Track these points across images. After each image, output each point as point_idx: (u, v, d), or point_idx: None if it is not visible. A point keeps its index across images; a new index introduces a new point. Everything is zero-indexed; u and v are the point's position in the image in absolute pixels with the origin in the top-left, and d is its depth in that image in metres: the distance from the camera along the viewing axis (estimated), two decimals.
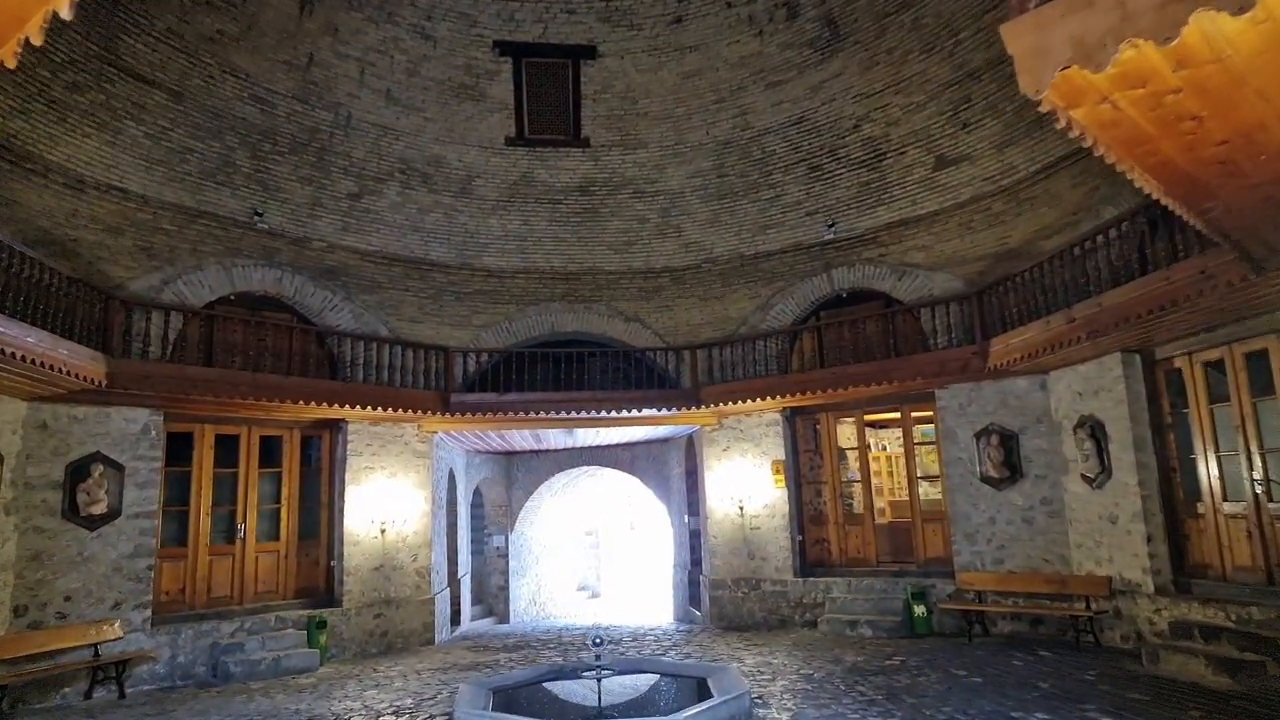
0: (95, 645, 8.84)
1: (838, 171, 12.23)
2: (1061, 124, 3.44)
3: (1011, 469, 10.62)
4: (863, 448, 12.38)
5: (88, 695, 8.72)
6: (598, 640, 6.98)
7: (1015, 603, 10.29)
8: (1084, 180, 9.92)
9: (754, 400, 12.08)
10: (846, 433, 13.31)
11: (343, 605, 11.19)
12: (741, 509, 12.71)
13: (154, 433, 9.71)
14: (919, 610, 10.86)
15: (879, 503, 13.32)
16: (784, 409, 12.59)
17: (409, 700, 8.07)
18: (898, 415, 12.34)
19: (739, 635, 11.49)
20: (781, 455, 12.58)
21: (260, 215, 11.24)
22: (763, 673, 8.68)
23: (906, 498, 15.00)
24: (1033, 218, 10.68)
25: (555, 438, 15.03)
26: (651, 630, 12.95)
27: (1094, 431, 9.57)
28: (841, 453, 12.89)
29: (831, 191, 12.38)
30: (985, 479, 10.79)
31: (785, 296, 13.07)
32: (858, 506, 13.26)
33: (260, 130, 11.04)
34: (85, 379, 8.19)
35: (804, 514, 12.58)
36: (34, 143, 8.79)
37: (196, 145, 10.48)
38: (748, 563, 12.56)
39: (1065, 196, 10.22)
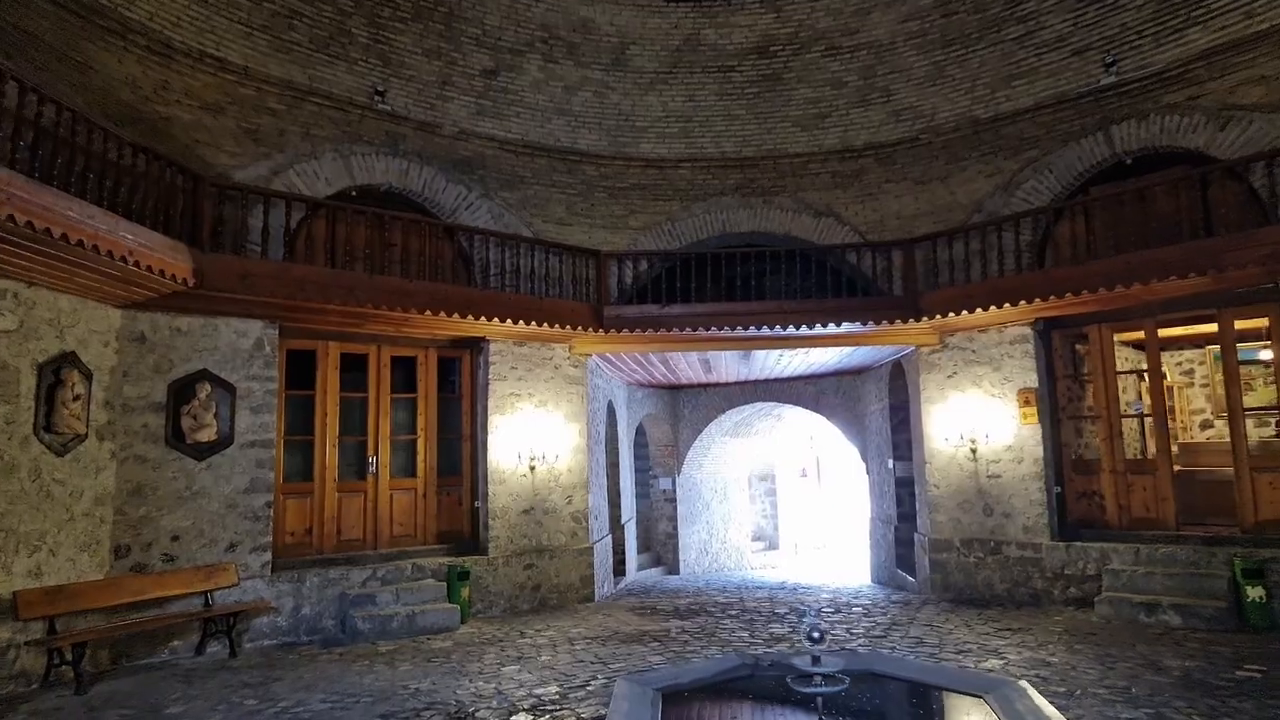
0: (207, 593, 7.60)
1: None
2: None
3: None
4: (1155, 370, 9.05)
5: (199, 650, 7.52)
6: (815, 633, 4.62)
7: None
8: None
9: (995, 308, 9.06)
10: (1123, 352, 10.00)
11: (488, 554, 9.55)
12: (974, 451, 9.84)
13: (269, 348, 8.29)
14: (1254, 593, 7.66)
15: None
16: (1035, 320, 9.48)
17: (554, 687, 6.14)
18: (1210, 327, 8.92)
19: (977, 613, 8.78)
20: (1032, 382, 9.53)
21: (381, 95, 9.50)
22: (1043, 677, 6.03)
23: (1205, 438, 11.54)
24: None
25: (728, 364, 12.68)
26: (856, 597, 10.48)
27: None
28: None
29: (1112, 16, 8.93)
30: None
31: (1039, 170, 9.82)
32: (1137, 449, 10.04)
33: None
34: (167, 275, 6.71)
35: (1063, 458, 9.51)
36: None
37: (304, 8, 8.79)
38: (983, 520, 9.73)
39: None
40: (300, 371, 8.91)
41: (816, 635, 4.62)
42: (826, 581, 13.24)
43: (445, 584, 8.94)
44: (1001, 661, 6.58)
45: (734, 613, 9.36)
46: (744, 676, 5.41)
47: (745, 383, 15.23)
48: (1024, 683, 4.76)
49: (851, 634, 7.96)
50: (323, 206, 8.69)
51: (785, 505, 21.12)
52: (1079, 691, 5.66)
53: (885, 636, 7.74)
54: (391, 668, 6.88)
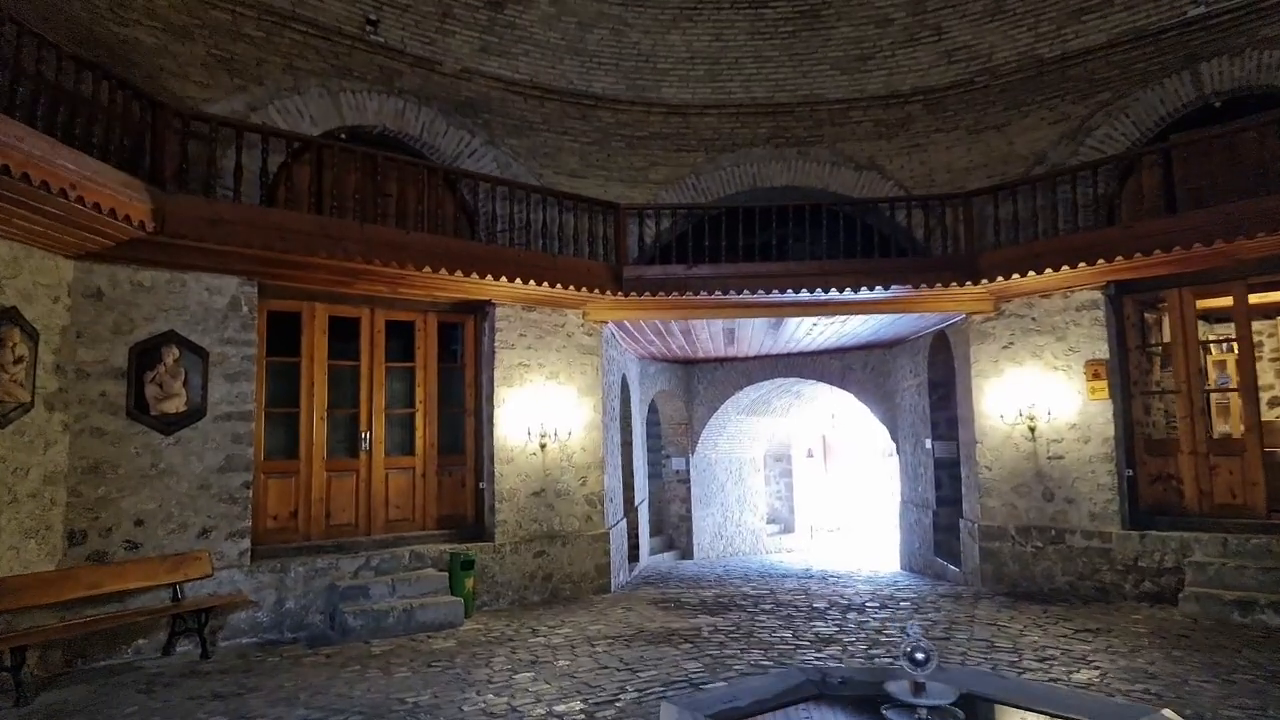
0: (176, 585, 6.67)
1: None
2: None
3: None
4: (1245, 338, 8.08)
5: (167, 650, 6.59)
6: (920, 654, 3.69)
7: None
8: None
9: (1068, 268, 8.07)
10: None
11: (495, 540, 8.62)
12: (1032, 430, 8.89)
13: (246, 309, 7.29)
14: None
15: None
16: (1106, 283, 8.49)
17: (577, 702, 5.20)
18: None
19: (1041, 609, 7.86)
20: (1102, 353, 8.55)
21: (374, 25, 8.43)
22: (1155, 694, 5.11)
23: (1275, 416, 10.57)
24: None
25: (754, 335, 11.69)
26: (897, 588, 9.58)
27: None
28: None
29: None
30: None
31: (1113, 115, 8.78)
32: (1220, 427, 9.09)
33: None
34: (120, 215, 5.70)
35: (1135, 438, 8.56)
36: None
37: None
38: (1043, 505, 8.79)
39: None
40: (284, 336, 7.92)
41: (921, 657, 3.68)
42: (856, 569, 12.36)
43: (447, 574, 8.02)
44: (1096, 672, 5.65)
45: (767, 606, 8.44)
46: (810, 696, 4.49)
47: (765, 357, 14.26)
48: (1168, 711, 3.83)
49: (909, 631, 7.01)
50: (307, 147, 7.66)
51: (801, 487, 20.23)
52: (1209, 716, 4.73)
53: (948, 639, 6.80)
54: (386, 674, 5.95)
